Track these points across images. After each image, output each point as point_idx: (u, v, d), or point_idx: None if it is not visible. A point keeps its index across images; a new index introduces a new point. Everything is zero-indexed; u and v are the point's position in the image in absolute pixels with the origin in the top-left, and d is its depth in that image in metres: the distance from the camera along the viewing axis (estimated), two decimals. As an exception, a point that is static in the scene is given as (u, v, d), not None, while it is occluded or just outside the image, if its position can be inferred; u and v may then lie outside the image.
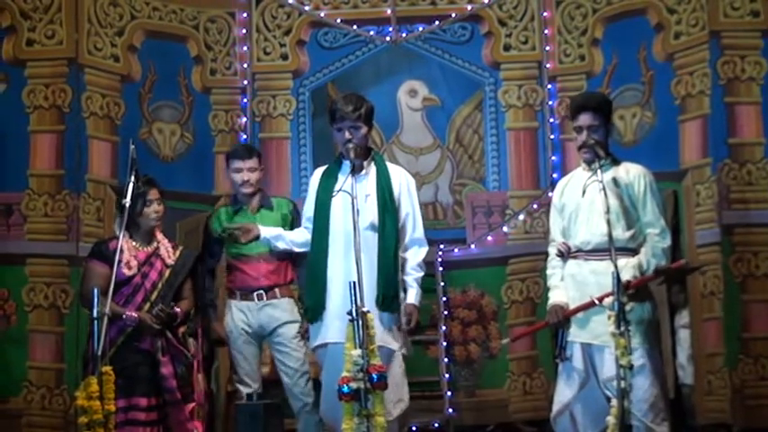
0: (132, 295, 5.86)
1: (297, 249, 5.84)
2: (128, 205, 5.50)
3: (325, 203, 5.34)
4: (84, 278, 6.00)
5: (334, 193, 5.29)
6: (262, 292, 6.21)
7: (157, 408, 5.82)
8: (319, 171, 5.60)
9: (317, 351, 5.46)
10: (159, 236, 6.06)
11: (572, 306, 5.37)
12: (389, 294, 5.24)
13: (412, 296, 5.39)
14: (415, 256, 5.45)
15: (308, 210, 5.61)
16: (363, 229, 5.17)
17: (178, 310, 5.89)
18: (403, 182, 5.47)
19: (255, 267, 6.24)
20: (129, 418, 5.67)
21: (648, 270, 5.28)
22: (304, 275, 5.80)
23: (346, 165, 5.33)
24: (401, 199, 5.43)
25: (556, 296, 5.45)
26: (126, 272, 5.84)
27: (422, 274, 5.47)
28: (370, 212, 5.31)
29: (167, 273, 5.97)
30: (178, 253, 6.06)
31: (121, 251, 5.88)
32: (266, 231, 5.88)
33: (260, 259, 6.23)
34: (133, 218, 5.89)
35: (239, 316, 6.23)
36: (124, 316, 5.76)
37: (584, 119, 5.40)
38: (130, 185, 5.49)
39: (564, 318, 5.36)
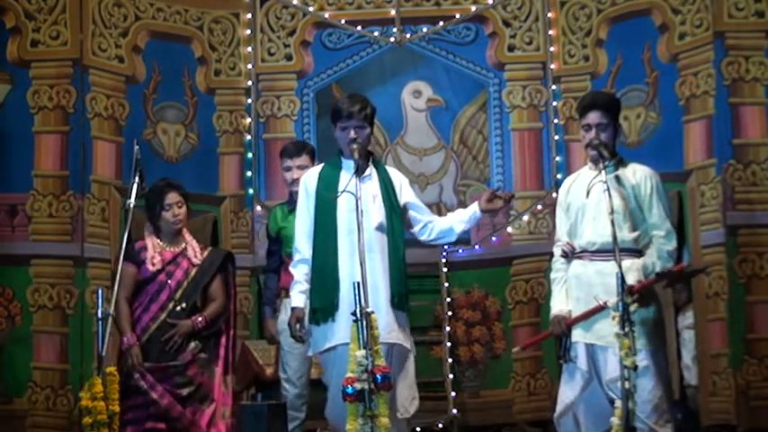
0: (157, 293, 5.89)
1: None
2: (132, 207, 5.46)
3: (331, 203, 5.26)
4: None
5: (338, 194, 5.23)
6: None
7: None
8: (314, 171, 5.43)
9: (325, 353, 5.27)
10: (188, 237, 6.08)
11: (576, 306, 5.36)
12: (403, 293, 5.21)
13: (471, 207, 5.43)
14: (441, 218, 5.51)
15: (304, 222, 5.32)
16: (373, 230, 5.15)
17: (200, 318, 5.90)
18: (404, 182, 5.47)
19: None
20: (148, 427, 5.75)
21: (654, 272, 5.26)
22: None
23: (348, 165, 5.29)
24: (402, 194, 5.41)
25: (557, 305, 5.43)
26: (150, 268, 5.88)
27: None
28: (378, 213, 5.26)
29: (194, 271, 5.98)
30: (207, 253, 6.08)
31: (146, 249, 5.92)
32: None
33: None
34: (154, 221, 5.94)
35: None
36: (124, 339, 5.79)
37: (593, 117, 5.38)
38: (134, 186, 5.49)
39: (567, 326, 5.35)
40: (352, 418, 4.64)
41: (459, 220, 5.44)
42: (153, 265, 5.90)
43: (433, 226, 5.44)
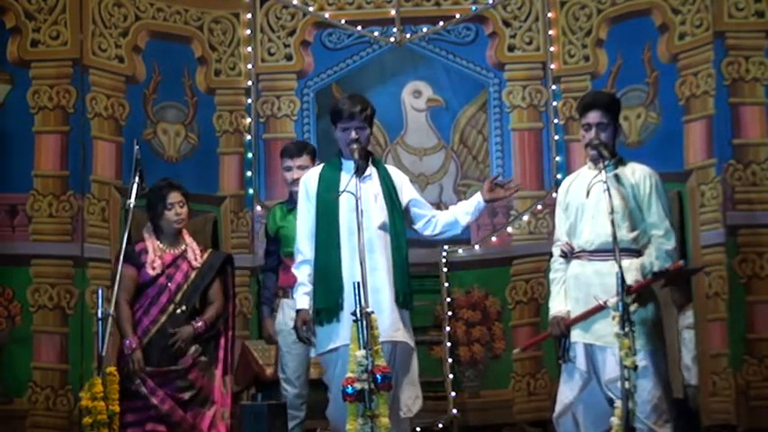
0: (157, 296, 5.87)
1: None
2: (132, 207, 5.44)
3: (332, 204, 5.25)
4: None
5: (338, 194, 5.22)
6: None
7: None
8: (314, 172, 5.43)
9: (329, 354, 5.24)
10: (187, 239, 6.04)
11: (575, 307, 5.36)
12: (407, 291, 5.22)
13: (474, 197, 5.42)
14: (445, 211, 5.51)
15: (305, 223, 5.33)
16: (375, 229, 5.15)
17: (200, 323, 5.88)
18: (404, 180, 5.48)
19: None
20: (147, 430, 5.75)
21: (651, 271, 5.26)
22: None
23: (348, 165, 5.29)
24: (403, 192, 5.41)
25: (556, 306, 5.43)
26: (150, 272, 5.86)
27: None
28: (380, 213, 5.26)
29: (193, 274, 5.96)
30: (206, 255, 6.07)
31: (146, 252, 5.90)
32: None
33: None
34: (155, 221, 5.92)
35: (290, 314, 6.18)
36: (126, 342, 5.77)
37: (593, 116, 5.38)
38: (134, 186, 5.48)
39: (566, 327, 5.35)
40: (352, 418, 4.64)
41: (464, 211, 5.44)
42: (153, 269, 5.88)
43: (437, 220, 5.45)
